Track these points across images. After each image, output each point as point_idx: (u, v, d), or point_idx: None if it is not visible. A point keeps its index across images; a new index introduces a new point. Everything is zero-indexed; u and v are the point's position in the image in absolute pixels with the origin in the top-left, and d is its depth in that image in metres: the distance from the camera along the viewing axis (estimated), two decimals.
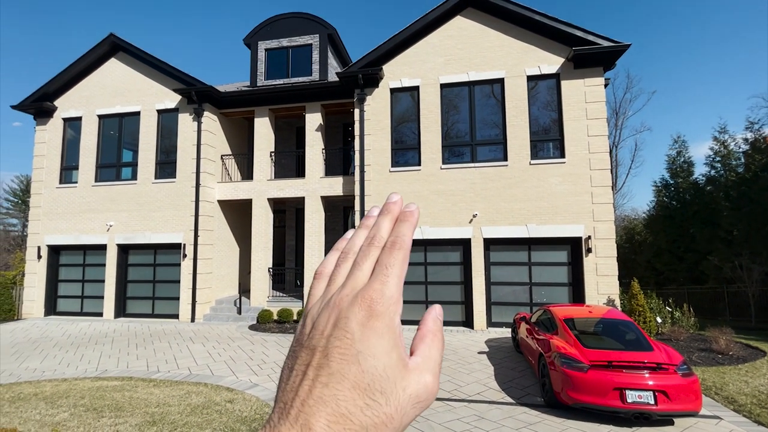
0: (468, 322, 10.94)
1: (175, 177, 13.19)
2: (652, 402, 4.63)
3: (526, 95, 11.06)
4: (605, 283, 10.15)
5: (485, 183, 11.04)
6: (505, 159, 11.03)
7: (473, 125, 11.42)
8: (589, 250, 10.28)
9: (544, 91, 11.15)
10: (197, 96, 12.89)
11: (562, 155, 10.71)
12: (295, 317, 11.91)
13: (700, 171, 19.41)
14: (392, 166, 11.72)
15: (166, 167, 13.51)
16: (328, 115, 14.22)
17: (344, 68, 13.15)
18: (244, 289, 13.81)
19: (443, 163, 11.42)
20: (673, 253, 19.10)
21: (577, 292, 10.42)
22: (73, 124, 14.35)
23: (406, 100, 12.01)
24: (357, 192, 11.78)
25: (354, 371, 0.33)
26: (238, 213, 14.79)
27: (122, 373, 7.28)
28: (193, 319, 12.41)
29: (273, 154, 13.71)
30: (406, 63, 11.91)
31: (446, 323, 11.11)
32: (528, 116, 11.01)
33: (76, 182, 13.91)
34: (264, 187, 13.25)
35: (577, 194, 10.50)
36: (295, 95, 13.21)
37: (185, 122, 13.28)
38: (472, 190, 11.09)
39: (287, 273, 15.14)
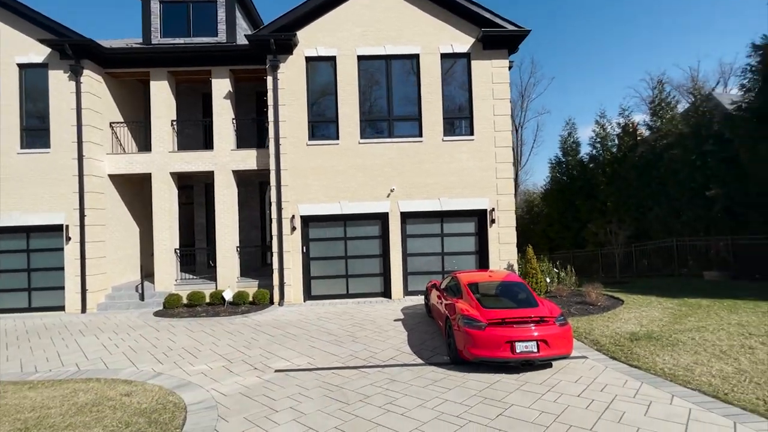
0: (386, 293, 11.40)
1: (49, 147, 11.16)
2: (536, 350, 5.37)
3: (440, 73, 11.42)
4: (506, 250, 11.30)
5: (402, 158, 11.33)
6: (421, 135, 11.39)
7: (390, 100, 11.51)
8: (493, 221, 11.28)
9: (457, 70, 11.62)
10: (73, 50, 10.88)
11: (471, 133, 11.41)
12: (207, 299, 11.22)
13: (585, 150, 22.20)
14: (309, 140, 11.36)
15: (36, 135, 11.35)
16: (239, 82, 13.14)
17: (255, 31, 12.14)
18: (148, 273, 12.56)
19: (361, 137, 11.40)
20: (562, 222, 21.92)
21: (482, 259, 11.46)
22: None
23: (322, 70, 11.59)
24: (272, 166, 11.23)
25: None
26: (136, 189, 13.17)
27: None
28: (84, 310, 10.97)
29: (175, 122, 12.32)
30: (323, 31, 11.41)
31: (366, 295, 11.45)
32: (441, 94, 11.42)
33: None
34: (165, 160, 11.92)
35: (483, 170, 11.34)
36: (199, 57, 11.89)
37: (59, 81, 11.18)
38: (390, 165, 11.31)
39: (198, 253, 14.10)
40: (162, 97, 12.01)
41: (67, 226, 11.03)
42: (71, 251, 11.06)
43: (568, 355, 5.62)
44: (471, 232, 11.64)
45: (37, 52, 11.14)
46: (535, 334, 5.40)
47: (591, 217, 19.56)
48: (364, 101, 11.60)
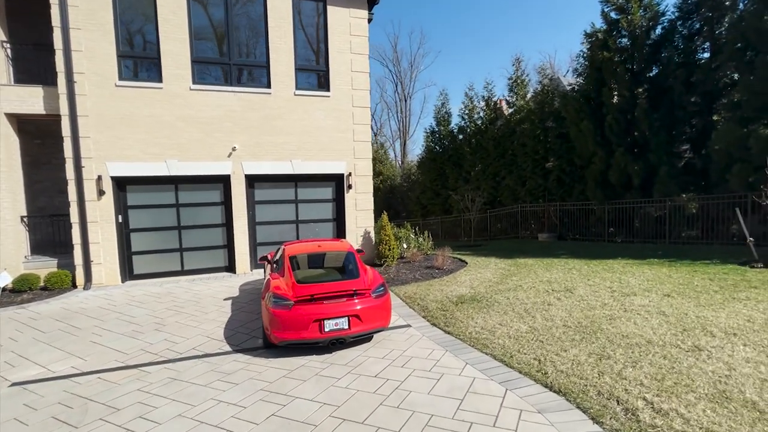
0: (231, 267, 10.07)
1: None
2: (347, 326, 4.86)
3: (291, 15, 9.93)
4: (363, 217, 10.89)
5: (246, 112, 9.75)
6: (269, 86, 9.91)
7: (230, 41, 9.65)
8: (350, 187, 10.67)
9: (311, 14, 10.26)
10: None
11: (327, 88, 10.36)
12: None
13: (457, 122, 23.17)
14: (120, 80, 8.91)
15: None
16: None
17: None
18: None
19: (194, 82, 9.40)
20: (434, 190, 22.91)
21: (339, 227, 10.87)
22: None
23: None
24: (64, 110, 8.56)
25: None
26: None
27: None
28: None
29: None
30: None
31: (207, 270, 9.97)
32: (293, 40, 10.00)
33: None
34: None
35: (340, 131, 10.50)
36: None
37: None
38: (231, 119, 9.65)
39: None
40: None
41: None
42: None
43: (384, 327, 5.28)
44: (328, 198, 10.88)
45: None
46: (346, 309, 4.88)
47: (457, 184, 20.74)
48: (198, 38, 9.51)
